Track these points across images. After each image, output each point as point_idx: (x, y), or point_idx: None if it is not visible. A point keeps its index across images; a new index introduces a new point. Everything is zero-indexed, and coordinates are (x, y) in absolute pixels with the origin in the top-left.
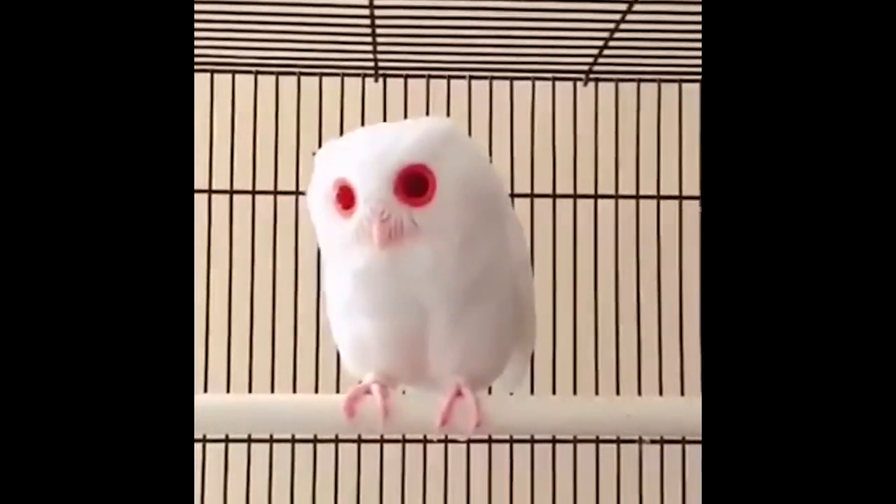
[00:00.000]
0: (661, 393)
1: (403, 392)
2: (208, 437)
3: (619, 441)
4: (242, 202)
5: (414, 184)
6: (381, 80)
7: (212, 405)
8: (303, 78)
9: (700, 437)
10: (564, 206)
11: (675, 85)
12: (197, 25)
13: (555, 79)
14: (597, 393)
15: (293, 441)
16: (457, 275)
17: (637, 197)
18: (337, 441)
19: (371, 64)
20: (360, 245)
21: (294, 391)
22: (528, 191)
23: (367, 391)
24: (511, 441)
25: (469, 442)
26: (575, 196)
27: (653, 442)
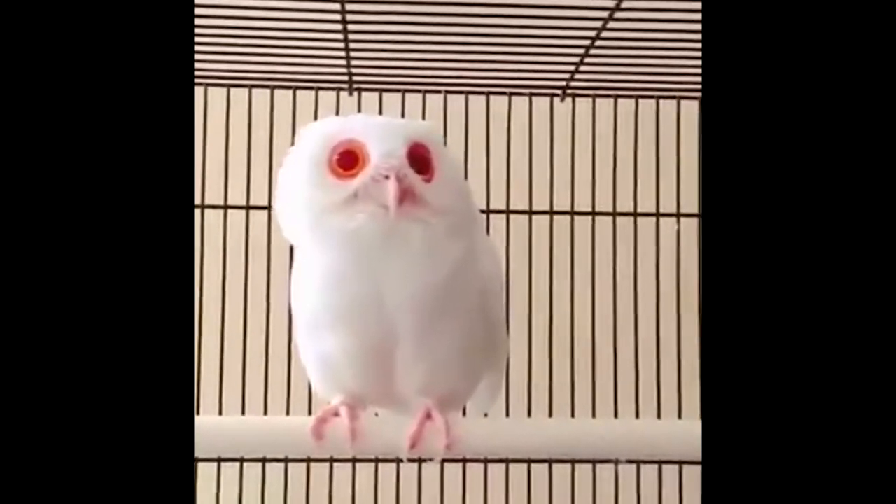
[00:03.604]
0: (637, 415)
1: (376, 414)
2: None
3: (595, 461)
4: (214, 217)
5: (419, 162)
6: (355, 94)
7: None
8: (276, 91)
9: (676, 458)
10: (541, 222)
11: (653, 101)
12: None
13: (532, 94)
14: (573, 414)
15: (264, 461)
16: (432, 269)
17: (614, 214)
18: (308, 461)
19: (345, 78)
20: (356, 207)
21: (265, 412)
22: (504, 207)
23: (336, 413)
24: (486, 461)
25: (443, 462)
26: (551, 213)
27: (629, 462)
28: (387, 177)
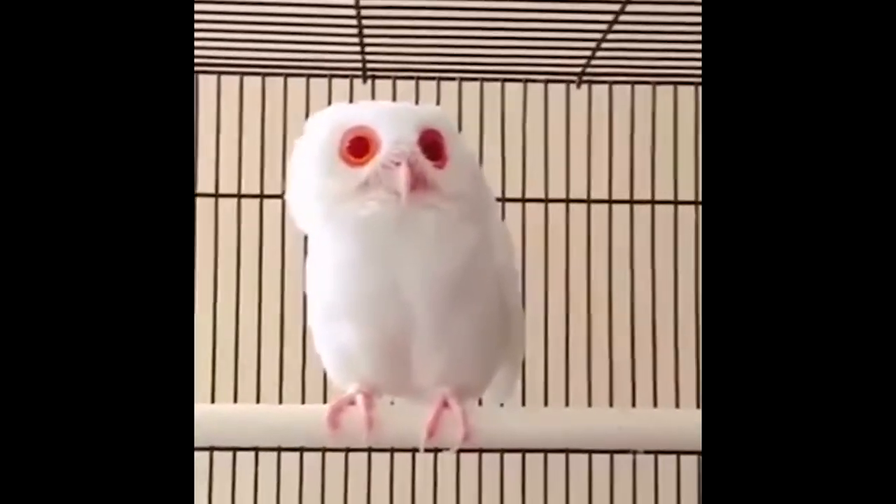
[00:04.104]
0: (655, 404)
1: (392, 403)
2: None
3: (612, 452)
4: (227, 206)
5: (431, 148)
6: (369, 81)
7: (196, 416)
8: (290, 79)
9: (695, 448)
10: (557, 210)
11: (671, 87)
12: None
13: (547, 81)
14: (590, 404)
15: (279, 450)
16: (446, 256)
17: (631, 202)
18: (324, 451)
19: (359, 65)
20: (367, 194)
21: (280, 401)
22: (519, 195)
23: (352, 402)
24: (502, 451)
25: (459, 452)
26: (567, 201)
27: (647, 452)
28: (398, 163)
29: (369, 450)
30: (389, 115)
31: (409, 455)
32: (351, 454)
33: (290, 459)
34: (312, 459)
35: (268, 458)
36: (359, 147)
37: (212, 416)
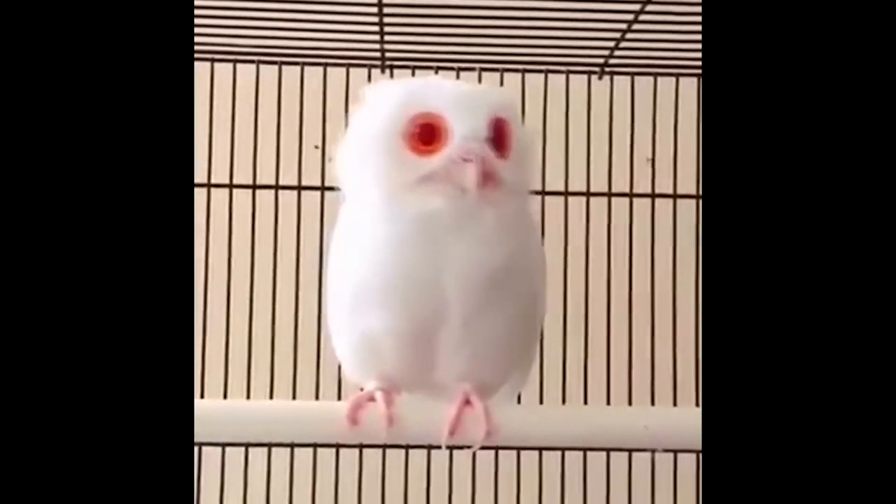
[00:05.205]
0: (675, 403)
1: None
2: (204, 442)
3: (630, 450)
4: (242, 197)
5: (498, 136)
6: (388, 71)
7: (208, 411)
8: (306, 68)
9: None
10: (577, 204)
11: (694, 79)
12: (197, 13)
13: (569, 72)
14: (608, 402)
15: (292, 446)
16: (496, 251)
17: (653, 195)
18: (337, 447)
19: (378, 55)
20: (432, 185)
21: (294, 397)
22: (539, 188)
23: (371, 398)
24: (518, 448)
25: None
26: (588, 194)
27: (666, 451)
28: (468, 159)
29: (384, 446)
30: (461, 103)
31: (424, 451)
32: (365, 450)
33: (303, 455)
34: (326, 456)
35: (281, 455)
36: (427, 135)
37: (224, 412)
